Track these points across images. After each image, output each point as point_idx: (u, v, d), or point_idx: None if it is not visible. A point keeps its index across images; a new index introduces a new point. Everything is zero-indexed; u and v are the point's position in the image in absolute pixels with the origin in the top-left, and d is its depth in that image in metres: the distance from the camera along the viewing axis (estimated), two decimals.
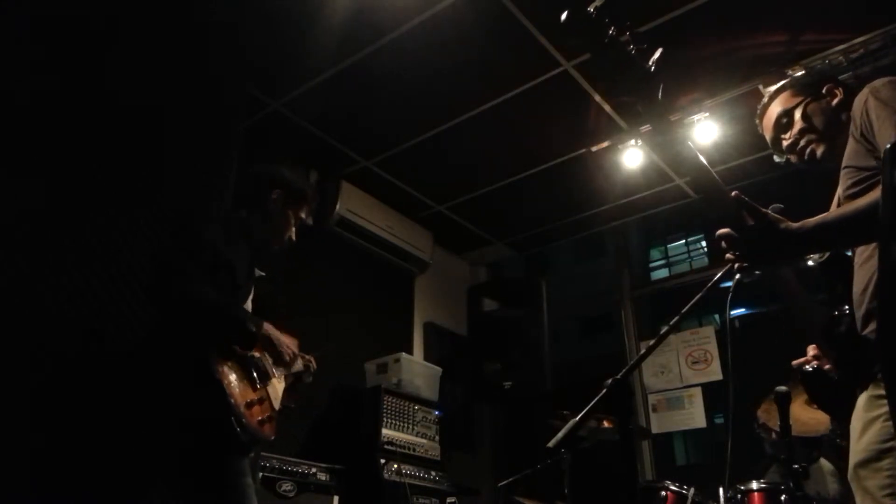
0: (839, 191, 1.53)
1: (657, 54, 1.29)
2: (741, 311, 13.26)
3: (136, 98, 3.00)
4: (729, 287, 1.61)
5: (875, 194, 1.26)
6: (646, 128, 3.88)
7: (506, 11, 3.13)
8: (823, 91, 1.69)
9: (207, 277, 2.02)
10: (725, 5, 3.11)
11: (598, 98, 3.74)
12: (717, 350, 4.89)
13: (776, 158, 1.80)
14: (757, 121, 1.84)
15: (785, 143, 1.74)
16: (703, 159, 1.34)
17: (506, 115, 3.85)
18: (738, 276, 1.53)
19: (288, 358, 2.25)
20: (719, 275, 1.57)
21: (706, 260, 16.32)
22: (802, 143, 1.69)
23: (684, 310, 1.67)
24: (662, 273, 17.27)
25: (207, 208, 2.29)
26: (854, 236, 1.37)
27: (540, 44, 3.31)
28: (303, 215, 2.46)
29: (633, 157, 4.17)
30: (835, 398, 1.53)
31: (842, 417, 1.48)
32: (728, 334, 3.41)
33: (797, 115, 1.70)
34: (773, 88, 1.78)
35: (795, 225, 1.32)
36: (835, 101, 1.65)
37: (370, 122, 4.00)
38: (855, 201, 1.32)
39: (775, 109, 1.75)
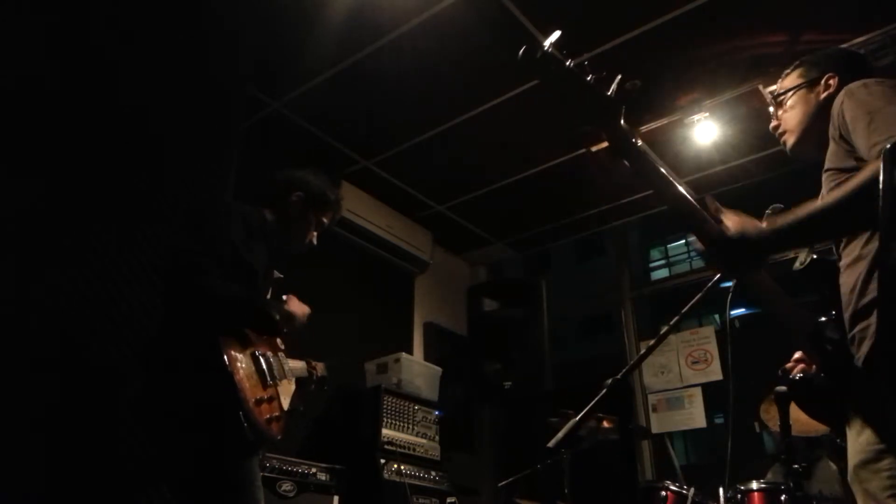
0: (823, 192, 1.52)
1: (617, 81, 1.29)
2: (741, 310, 13.26)
3: (136, 98, 3.00)
4: (729, 287, 1.61)
5: (841, 190, 1.27)
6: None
7: (506, 11, 3.13)
8: (822, 81, 1.67)
9: (226, 274, 2.02)
10: (725, 5, 3.11)
11: None
12: (718, 350, 4.88)
13: (771, 126, 1.81)
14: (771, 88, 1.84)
15: (772, 124, 1.76)
16: (673, 179, 1.32)
17: (506, 115, 3.85)
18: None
19: (306, 321, 2.34)
20: (719, 275, 1.57)
21: None
22: (780, 129, 1.72)
23: (684, 310, 1.67)
24: (662, 273, 17.28)
25: (226, 207, 2.30)
26: (826, 232, 1.39)
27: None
28: (325, 220, 2.48)
29: None
30: (824, 405, 1.52)
31: (832, 424, 1.47)
32: (728, 334, 3.42)
33: (789, 98, 1.71)
34: (793, 64, 1.79)
35: (753, 231, 1.31)
36: (823, 96, 1.64)
37: (370, 122, 4.00)
38: (823, 198, 1.33)
39: (781, 86, 1.77)
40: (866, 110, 1.37)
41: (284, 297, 2.36)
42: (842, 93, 1.48)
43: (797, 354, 1.63)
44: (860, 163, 1.37)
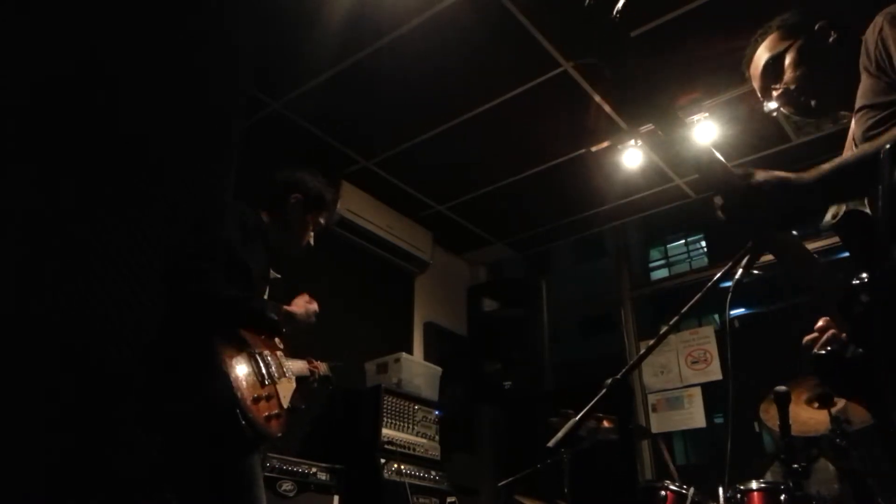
0: (855, 133, 1.34)
1: (621, 3, 1.07)
2: (741, 310, 13.24)
3: (136, 98, 2.99)
4: (728, 287, 1.60)
5: (885, 137, 1.12)
6: (644, 126, 3.87)
7: (506, 11, 3.13)
8: (816, 29, 1.50)
9: (224, 275, 2.03)
10: (726, 4, 3.11)
11: (598, 98, 3.74)
12: (717, 350, 4.88)
13: (766, 107, 1.60)
14: (743, 68, 1.67)
15: (776, 93, 1.55)
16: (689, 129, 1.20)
17: (506, 115, 3.85)
18: (738, 274, 1.50)
19: (312, 320, 2.37)
20: (719, 275, 1.56)
21: (706, 260, 16.29)
22: (795, 90, 1.50)
23: (684, 310, 1.66)
24: (662, 273, 17.26)
25: (222, 208, 2.32)
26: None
27: (540, 44, 3.31)
28: (321, 221, 2.50)
29: (633, 157, 4.16)
30: (856, 378, 1.29)
31: (865, 399, 1.31)
32: (728, 334, 3.42)
33: (788, 59, 1.52)
34: (758, 32, 1.59)
35: (792, 175, 1.15)
36: (831, 41, 1.47)
37: (370, 122, 4.01)
38: (874, 141, 1.14)
39: (762, 55, 1.58)
40: None
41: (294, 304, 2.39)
42: (878, 19, 1.29)
43: (821, 322, 1.43)
44: None
